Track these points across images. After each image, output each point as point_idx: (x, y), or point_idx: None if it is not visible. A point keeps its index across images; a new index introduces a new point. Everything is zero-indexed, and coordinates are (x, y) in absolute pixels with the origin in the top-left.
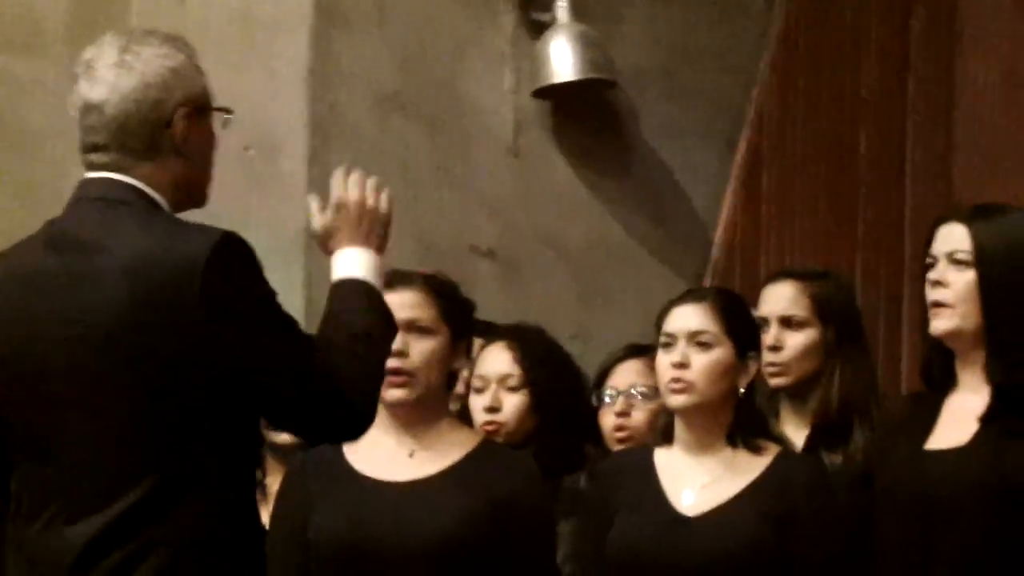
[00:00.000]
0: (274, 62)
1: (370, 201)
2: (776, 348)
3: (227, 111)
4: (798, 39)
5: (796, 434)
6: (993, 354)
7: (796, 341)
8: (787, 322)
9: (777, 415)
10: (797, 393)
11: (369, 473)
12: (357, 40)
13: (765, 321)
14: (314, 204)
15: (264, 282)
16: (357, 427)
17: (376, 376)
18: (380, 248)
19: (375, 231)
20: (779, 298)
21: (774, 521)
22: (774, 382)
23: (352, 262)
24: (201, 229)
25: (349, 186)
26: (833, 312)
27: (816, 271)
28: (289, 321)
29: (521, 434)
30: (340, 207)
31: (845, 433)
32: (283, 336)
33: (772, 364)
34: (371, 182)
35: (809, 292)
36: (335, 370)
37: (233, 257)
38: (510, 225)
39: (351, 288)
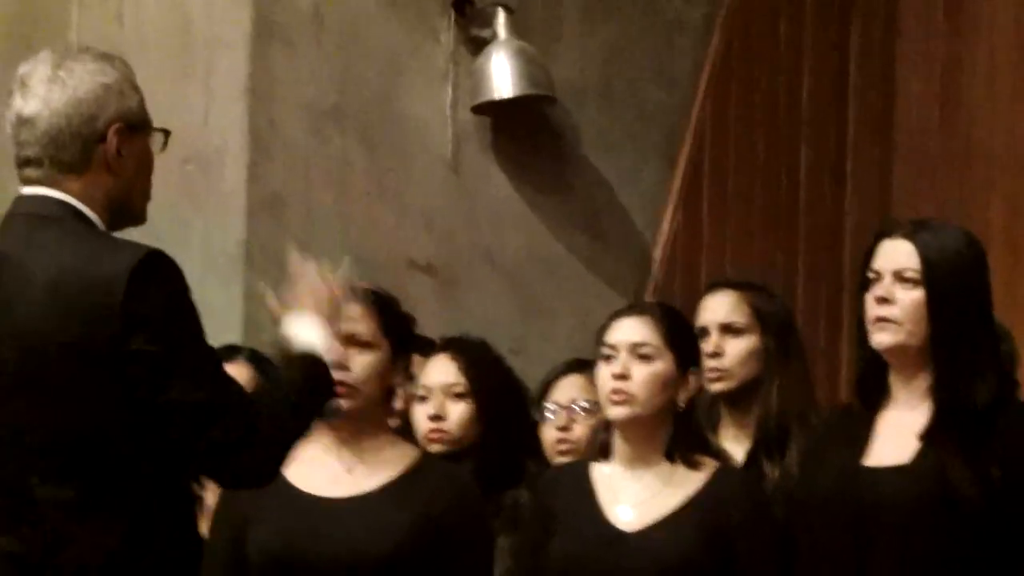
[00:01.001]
0: (213, 78)
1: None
2: (717, 354)
3: (165, 132)
4: (735, 53)
5: (736, 445)
6: (941, 371)
7: (737, 347)
8: (727, 328)
9: (717, 425)
10: (737, 401)
11: (307, 489)
12: (295, 55)
13: (705, 330)
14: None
15: (189, 301)
16: (253, 479)
17: (286, 442)
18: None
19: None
20: (719, 306)
21: (711, 537)
22: (715, 387)
23: (312, 331)
24: (128, 245)
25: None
26: (772, 322)
27: (753, 283)
28: (208, 352)
29: (465, 443)
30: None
31: (784, 444)
32: (199, 363)
33: (713, 370)
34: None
35: (749, 301)
36: (251, 418)
37: (158, 273)
38: (448, 240)
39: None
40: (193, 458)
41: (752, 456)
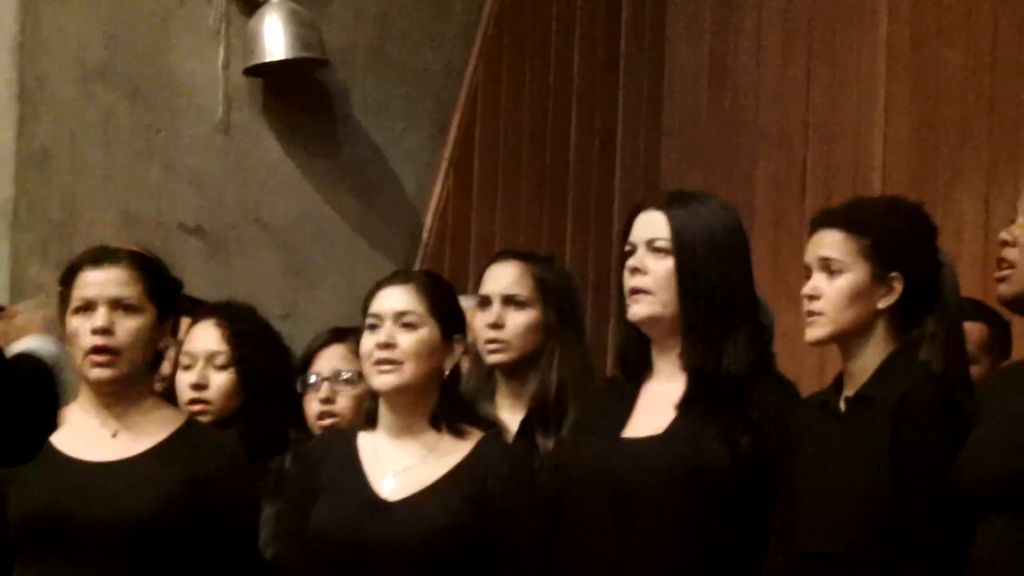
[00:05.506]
0: None
1: None
2: (498, 325)
3: None
4: (507, 23)
5: (512, 416)
6: (689, 341)
7: (518, 320)
8: (510, 300)
9: (492, 396)
10: (514, 373)
11: (70, 453)
12: (65, 11)
13: (487, 299)
14: None
15: None
16: None
17: None
18: None
19: None
20: (503, 277)
21: (472, 506)
22: (493, 359)
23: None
24: None
25: None
26: (555, 295)
27: (540, 255)
28: None
29: (227, 412)
30: None
31: (560, 417)
32: None
33: (493, 340)
34: None
35: (533, 273)
36: None
37: None
38: (218, 202)
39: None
40: None
41: (524, 426)
